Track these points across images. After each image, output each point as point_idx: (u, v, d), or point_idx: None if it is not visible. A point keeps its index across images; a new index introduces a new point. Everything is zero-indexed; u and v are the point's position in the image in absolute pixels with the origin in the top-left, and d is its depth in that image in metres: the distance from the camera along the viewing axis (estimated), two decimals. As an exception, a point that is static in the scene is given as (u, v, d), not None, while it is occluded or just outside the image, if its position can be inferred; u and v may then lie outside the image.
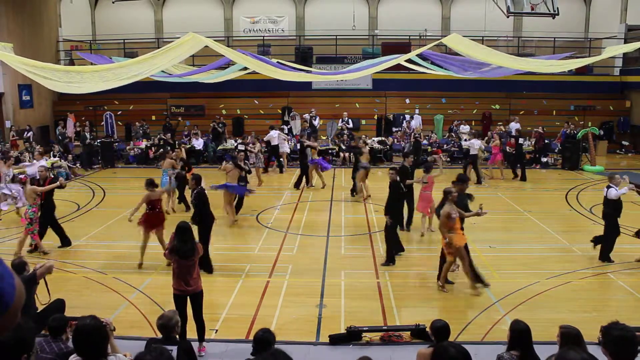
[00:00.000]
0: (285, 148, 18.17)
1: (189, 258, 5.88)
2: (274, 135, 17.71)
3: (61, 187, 9.80)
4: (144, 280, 8.28)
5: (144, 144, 19.96)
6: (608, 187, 9.00)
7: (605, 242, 9.15)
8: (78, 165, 18.25)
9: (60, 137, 19.39)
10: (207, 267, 8.37)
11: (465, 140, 18.53)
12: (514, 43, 24.74)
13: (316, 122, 20.24)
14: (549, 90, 22.44)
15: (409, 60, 13.07)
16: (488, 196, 14.32)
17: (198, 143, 19.75)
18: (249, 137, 16.96)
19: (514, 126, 19.54)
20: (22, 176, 9.69)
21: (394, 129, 21.58)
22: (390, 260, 9.00)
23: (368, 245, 10.20)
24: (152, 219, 8.94)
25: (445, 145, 20.18)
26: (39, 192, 9.35)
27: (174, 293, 5.96)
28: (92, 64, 13.69)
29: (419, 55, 13.27)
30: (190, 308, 5.99)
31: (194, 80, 16.11)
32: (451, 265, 7.97)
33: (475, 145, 15.84)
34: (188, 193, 11.27)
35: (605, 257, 9.07)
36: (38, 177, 10.05)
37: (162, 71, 12.29)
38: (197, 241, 6.34)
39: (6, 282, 1.33)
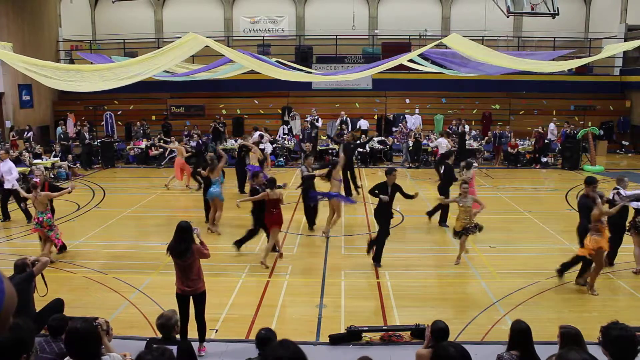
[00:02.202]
0: (269, 149, 18.11)
1: (182, 258, 5.86)
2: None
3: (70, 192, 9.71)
4: (144, 280, 8.28)
5: (144, 144, 19.96)
6: (615, 189, 8.68)
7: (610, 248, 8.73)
8: (78, 165, 18.25)
9: (62, 136, 19.37)
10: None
11: (434, 139, 18.57)
12: (514, 43, 24.75)
13: (319, 124, 20.17)
14: (549, 90, 22.44)
15: (410, 60, 13.09)
16: (488, 196, 14.32)
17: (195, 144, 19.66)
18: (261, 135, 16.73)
19: (552, 126, 19.61)
20: (36, 179, 9.47)
21: (394, 129, 21.58)
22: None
23: (368, 245, 10.17)
24: (273, 219, 8.94)
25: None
26: (52, 197, 9.29)
27: (176, 292, 5.97)
28: (92, 63, 13.68)
29: (419, 55, 13.28)
30: (193, 308, 5.99)
31: (198, 79, 16.08)
32: (600, 270, 7.71)
33: (442, 144, 15.81)
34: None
35: (609, 262, 8.77)
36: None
37: (165, 71, 12.27)
38: (197, 243, 6.29)
39: None
